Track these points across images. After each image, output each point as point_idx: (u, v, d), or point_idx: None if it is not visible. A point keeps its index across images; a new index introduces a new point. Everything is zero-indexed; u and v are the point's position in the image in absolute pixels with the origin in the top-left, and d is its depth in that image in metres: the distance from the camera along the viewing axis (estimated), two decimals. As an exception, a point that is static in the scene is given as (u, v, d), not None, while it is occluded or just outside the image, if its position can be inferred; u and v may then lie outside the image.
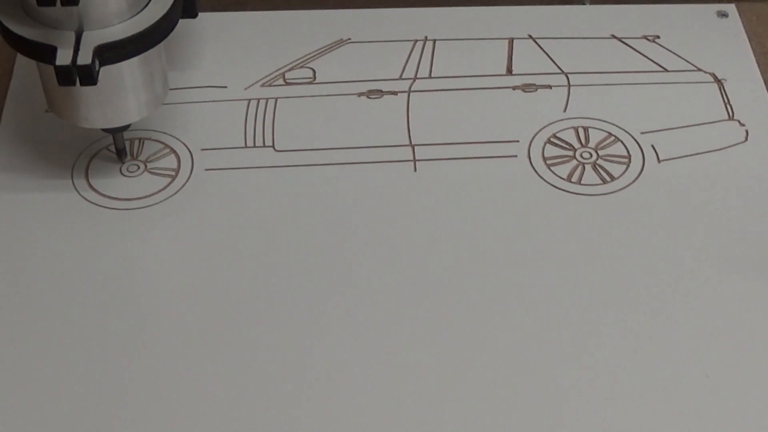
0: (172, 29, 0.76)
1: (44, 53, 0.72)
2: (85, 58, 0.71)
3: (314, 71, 0.91)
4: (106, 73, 0.74)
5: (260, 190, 0.83)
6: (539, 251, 0.80)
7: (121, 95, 0.77)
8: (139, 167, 0.85)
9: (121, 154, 0.84)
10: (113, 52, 0.73)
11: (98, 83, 0.73)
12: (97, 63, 0.72)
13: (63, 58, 0.71)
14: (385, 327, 0.76)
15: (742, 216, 0.82)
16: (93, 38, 0.73)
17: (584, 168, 0.85)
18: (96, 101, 0.77)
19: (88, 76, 0.71)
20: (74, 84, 0.72)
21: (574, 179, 0.84)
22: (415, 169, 0.85)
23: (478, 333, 0.75)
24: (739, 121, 0.88)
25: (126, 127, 0.81)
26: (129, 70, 0.76)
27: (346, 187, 0.84)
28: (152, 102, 0.80)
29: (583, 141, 0.87)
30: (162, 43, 0.77)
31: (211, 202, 0.83)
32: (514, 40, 0.94)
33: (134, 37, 0.73)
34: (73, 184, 0.84)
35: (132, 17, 0.74)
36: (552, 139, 0.87)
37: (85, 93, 0.76)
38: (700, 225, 0.82)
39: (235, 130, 0.87)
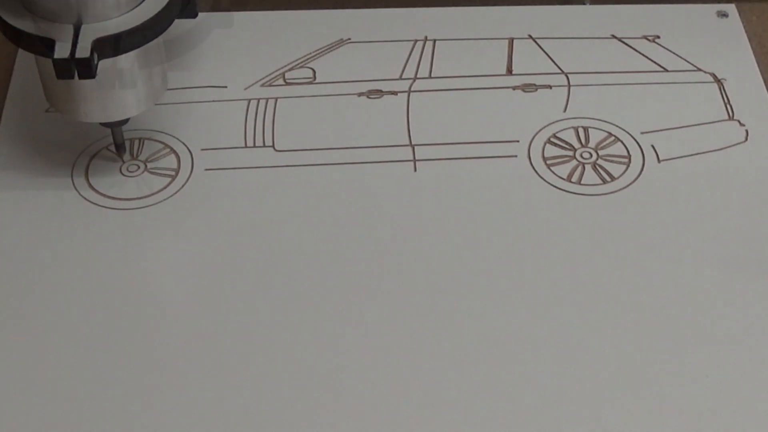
0: (171, 23, 0.76)
1: (43, 46, 0.72)
2: (83, 51, 0.71)
3: (314, 71, 0.91)
4: (104, 66, 0.74)
5: (260, 190, 0.83)
6: (539, 251, 0.80)
7: (120, 89, 0.77)
8: (139, 167, 0.85)
9: (120, 150, 0.84)
10: (112, 46, 0.73)
11: (97, 77, 0.73)
12: (95, 56, 0.72)
13: (61, 51, 0.71)
14: (385, 326, 0.75)
15: (742, 216, 0.82)
16: (92, 31, 0.72)
17: (584, 168, 0.85)
18: (95, 95, 0.77)
19: (87, 70, 0.71)
20: (73, 77, 0.72)
21: (574, 179, 0.84)
22: (415, 169, 0.85)
23: (478, 332, 0.75)
24: (739, 121, 0.88)
25: (125, 122, 0.81)
26: (128, 63, 0.76)
27: (346, 187, 0.84)
28: (151, 96, 0.80)
29: (583, 141, 0.87)
30: (161, 37, 0.76)
31: (211, 202, 0.83)
32: (514, 40, 0.94)
33: (133, 31, 0.73)
34: (73, 183, 0.84)
35: (131, 10, 0.74)
36: (552, 139, 0.87)
37: (83, 87, 0.76)
38: (700, 225, 0.81)
39: (235, 130, 0.87)
